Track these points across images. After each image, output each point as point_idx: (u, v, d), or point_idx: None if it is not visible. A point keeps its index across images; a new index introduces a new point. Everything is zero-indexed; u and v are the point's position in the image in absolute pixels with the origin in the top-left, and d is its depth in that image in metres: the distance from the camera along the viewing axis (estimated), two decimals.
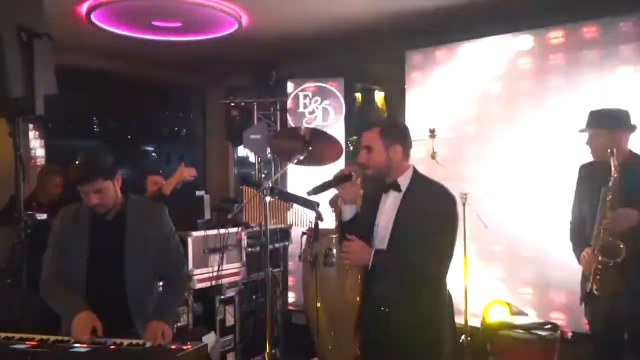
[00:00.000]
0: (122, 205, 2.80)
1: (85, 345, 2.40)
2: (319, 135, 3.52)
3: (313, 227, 3.40)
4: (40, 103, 3.25)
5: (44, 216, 4.12)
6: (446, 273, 2.47)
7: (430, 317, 2.45)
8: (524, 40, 4.72)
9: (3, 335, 2.56)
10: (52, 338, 2.51)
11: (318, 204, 3.51)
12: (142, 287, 2.77)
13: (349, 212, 2.53)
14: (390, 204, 2.48)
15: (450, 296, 2.60)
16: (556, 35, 4.55)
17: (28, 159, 6.02)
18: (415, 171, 2.53)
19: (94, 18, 4.78)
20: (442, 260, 2.43)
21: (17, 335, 2.55)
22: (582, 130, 3.19)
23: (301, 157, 3.43)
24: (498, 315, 4.13)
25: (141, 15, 4.85)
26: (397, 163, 2.49)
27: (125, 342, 2.45)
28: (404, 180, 2.48)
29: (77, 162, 2.72)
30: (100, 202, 2.67)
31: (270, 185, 3.26)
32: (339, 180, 2.51)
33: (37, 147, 6.24)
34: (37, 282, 2.80)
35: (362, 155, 2.52)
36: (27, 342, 2.45)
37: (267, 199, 3.26)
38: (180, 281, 2.96)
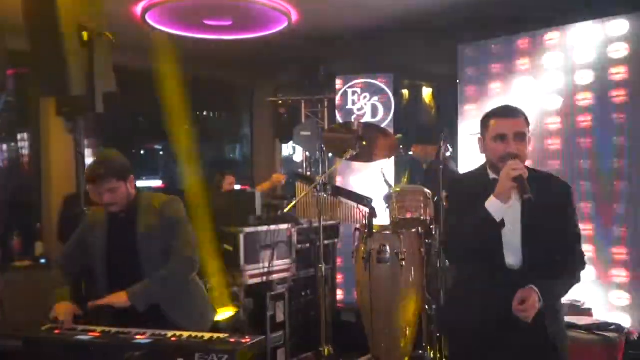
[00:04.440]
0: (134, 202, 2.88)
1: (146, 336, 2.43)
2: (372, 130, 3.47)
3: (367, 223, 3.36)
4: (100, 101, 3.34)
5: None
6: None
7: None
8: (586, 31, 4.52)
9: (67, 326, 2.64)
10: (114, 330, 2.56)
11: (371, 200, 3.47)
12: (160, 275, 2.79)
13: (503, 212, 2.15)
14: (511, 204, 2.19)
15: None
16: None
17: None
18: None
19: (148, 18, 4.88)
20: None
21: (80, 327, 2.62)
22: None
23: (354, 153, 3.38)
24: None
25: (193, 14, 4.92)
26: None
27: (185, 334, 2.47)
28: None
29: (93, 162, 2.87)
30: (112, 201, 2.78)
31: (323, 181, 3.23)
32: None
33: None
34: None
35: (516, 147, 2.17)
36: (90, 333, 2.50)
37: (320, 195, 3.23)
38: (169, 267, 2.81)
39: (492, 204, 2.11)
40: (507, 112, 2.24)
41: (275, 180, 4.95)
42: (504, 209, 2.12)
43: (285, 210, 3.38)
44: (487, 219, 2.11)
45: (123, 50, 6.00)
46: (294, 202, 3.36)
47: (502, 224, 2.13)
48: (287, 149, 9.02)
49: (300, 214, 3.60)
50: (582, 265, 2.27)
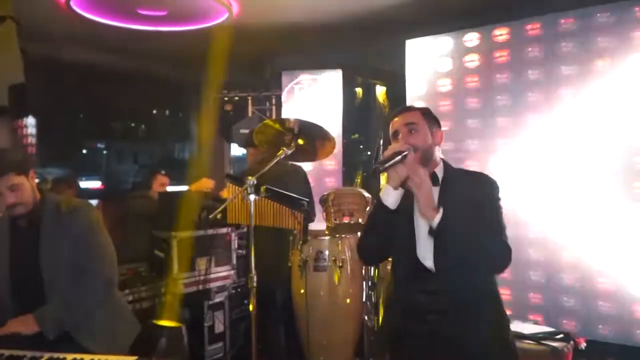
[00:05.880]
0: (37, 209, 2.50)
1: None
2: (309, 128, 3.21)
3: (302, 228, 3.11)
4: (4, 93, 3.00)
5: None
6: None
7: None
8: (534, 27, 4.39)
9: None
10: (7, 353, 2.23)
11: (307, 203, 3.22)
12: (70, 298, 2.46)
13: (395, 199, 2.09)
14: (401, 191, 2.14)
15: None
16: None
17: None
18: (446, 162, 2.23)
19: (73, 5, 4.50)
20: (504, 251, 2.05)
21: None
22: None
23: (289, 152, 3.12)
24: None
25: (125, 2, 4.58)
26: (437, 150, 2.19)
27: (87, 357, 2.17)
28: (439, 171, 2.18)
29: None
30: (17, 200, 2.41)
31: (255, 182, 2.96)
32: (401, 158, 2.04)
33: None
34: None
35: (405, 137, 2.13)
36: None
37: (252, 197, 2.96)
38: (82, 289, 2.49)
39: (384, 190, 2.11)
40: (399, 111, 2.25)
41: (202, 186, 4.58)
42: (395, 194, 2.08)
43: (211, 216, 3.09)
44: (379, 205, 2.11)
45: (60, 42, 5.66)
46: (222, 206, 3.07)
47: (394, 211, 2.10)
48: (239, 148, 8.71)
49: (230, 219, 3.33)
50: (502, 253, 2.05)
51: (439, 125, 2.22)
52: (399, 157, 2.01)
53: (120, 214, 4.99)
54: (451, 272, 2.06)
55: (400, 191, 2.09)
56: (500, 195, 2.14)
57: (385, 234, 2.15)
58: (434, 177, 2.11)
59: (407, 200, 2.12)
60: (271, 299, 3.97)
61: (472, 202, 2.06)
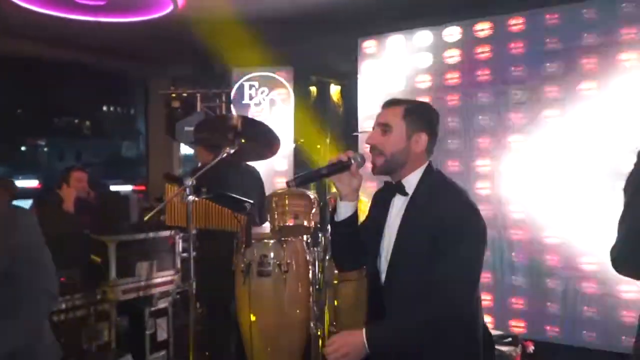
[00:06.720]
0: None
1: None
2: (253, 126, 3.06)
3: (244, 231, 2.96)
4: None
5: None
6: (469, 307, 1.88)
7: None
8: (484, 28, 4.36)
9: None
10: None
11: (251, 205, 3.07)
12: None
13: (344, 210, 1.99)
14: (397, 209, 1.97)
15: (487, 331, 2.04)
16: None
17: None
18: (428, 169, 1.97)
19: None
20: (457, 292, 1.82)
21: None
22: None
23: (231, 151, 2.96)
24: None
25: None
26: (416, 156, 1.95)
27: None
28: (412, 179, 1.95)
29: None
30: None
31: (194, 182, 2.79)
32: (334, 169, 1.93)
33: None
34: None
35: (374, 136, 1.95)
36: None
37: (190, 198, 2.79)
38: (30, 301, 2.15)
39: (337, 202, 2.02)
40: (383, 105, 2.02)
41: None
42: (343, 205, 1.99)
43: (146, 218, 2.90)
44: (330, 216, 2.04)
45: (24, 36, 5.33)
46: (158, 207, 2.89)
47: (340, 223, 2.01)
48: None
49: (169, 221, 3.15)
50: (444, 310, 1.82)
51: (425, 128, 1.95)
52: (325, 172, 1.93)
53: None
54: (398, 291, 1.91)
55: (351, 203, 1.97)
56: (473, 231, 1.86)
57: (344, 243, 2.05)
58: (399, 187, 1.95)
59: (381, 210, 2.01)
60: (221, 303, 3.81)
61: (430, 229, 1.84)
